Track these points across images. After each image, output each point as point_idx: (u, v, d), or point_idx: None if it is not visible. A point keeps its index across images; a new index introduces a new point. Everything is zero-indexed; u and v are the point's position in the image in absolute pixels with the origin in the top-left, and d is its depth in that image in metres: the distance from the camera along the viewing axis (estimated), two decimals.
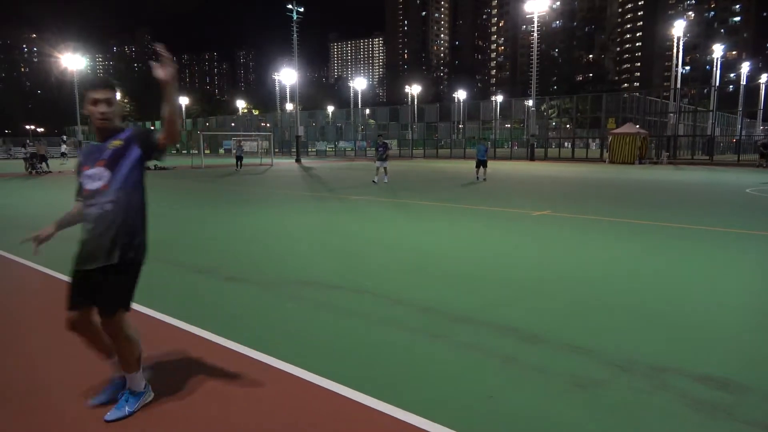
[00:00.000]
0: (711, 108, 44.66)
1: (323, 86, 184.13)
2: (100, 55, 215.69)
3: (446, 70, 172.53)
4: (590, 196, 14.55)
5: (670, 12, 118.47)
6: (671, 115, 40.91)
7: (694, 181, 20.14)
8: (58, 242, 7.96)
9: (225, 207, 12.14)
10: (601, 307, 4.67)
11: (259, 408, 2.92)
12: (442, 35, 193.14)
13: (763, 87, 56.52)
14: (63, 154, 43.11)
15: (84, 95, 2.72)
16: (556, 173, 24.82)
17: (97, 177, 2.74)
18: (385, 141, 19.23)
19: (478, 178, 19.35)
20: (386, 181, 18.29)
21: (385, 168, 18.22)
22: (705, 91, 74.44)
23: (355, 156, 54.83)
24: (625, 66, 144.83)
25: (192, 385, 3.20)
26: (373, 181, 18.22)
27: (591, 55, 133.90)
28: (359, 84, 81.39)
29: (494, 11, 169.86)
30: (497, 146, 48.94)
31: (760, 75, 71.08)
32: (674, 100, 42.58)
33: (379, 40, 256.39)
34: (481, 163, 19.16)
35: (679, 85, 47.56)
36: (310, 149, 59.41)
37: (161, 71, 2.64)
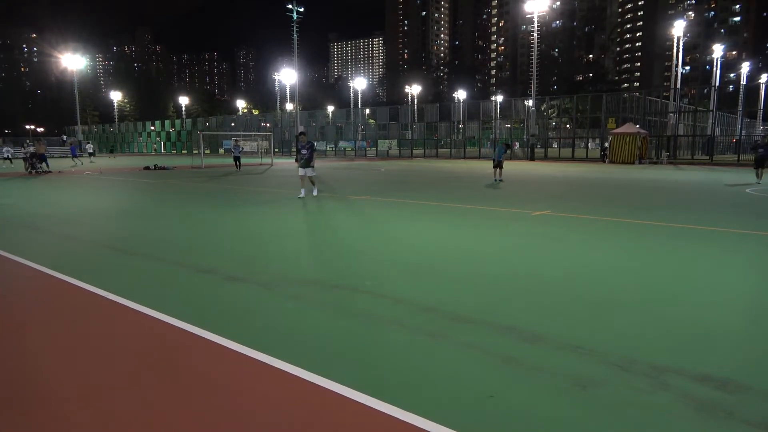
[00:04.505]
0: (711, 108, 44.65)
1: (323, 86, 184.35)
2: (100, 55, 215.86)
3: (446, 70, 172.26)
4: (590, 196, 14.54)
5: (670, 12, 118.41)
6: (671, 115, 40.90)
7: (694, 181, 20.14)
8: (58, 242, 7.95)
9: (225, 207, 12.14)
10: (601, 307, 4.67)
11: (258, 408, 2.92)
12: (442, 35, 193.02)
13: (763, 87, 56.49)
14: (90, 154, 44.56)
15: None
16: (556, 173, 24.82)
17: None
18: (311, 141, 14.25)
19: (495, 180, 18.83)
20: (315, 194, 13.63)
21: (311, 178, 13.46)
22: (705, 91, 74.52)
23: (355, 156, 54.85)
24: (625, 66, 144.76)
25: (192, 384, 3.20)
26: (300, 197, 13.24)
27: (591, 55, 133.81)
28: (359, 84, 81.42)
29: (494, 11, 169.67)
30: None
31: (760, 75, 71.19)
32: (674, 100, 42.57)
33: (379, 40, 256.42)
34: (498, 164, 18.86)
35: (679, 85, 47.58)
36: None
37: None
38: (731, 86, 79.53)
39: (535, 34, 41.57)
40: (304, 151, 13.23)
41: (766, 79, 62.98)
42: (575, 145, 43.87)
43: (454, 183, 19.03)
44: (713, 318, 4.41)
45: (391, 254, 6.95)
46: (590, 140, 49.33)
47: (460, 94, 79.88)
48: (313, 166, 13.44)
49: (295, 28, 40.06)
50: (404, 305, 4.68)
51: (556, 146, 51.70)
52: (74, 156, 34.44)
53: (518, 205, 12.20)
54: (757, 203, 12.87)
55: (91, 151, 45.67)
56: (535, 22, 41.01)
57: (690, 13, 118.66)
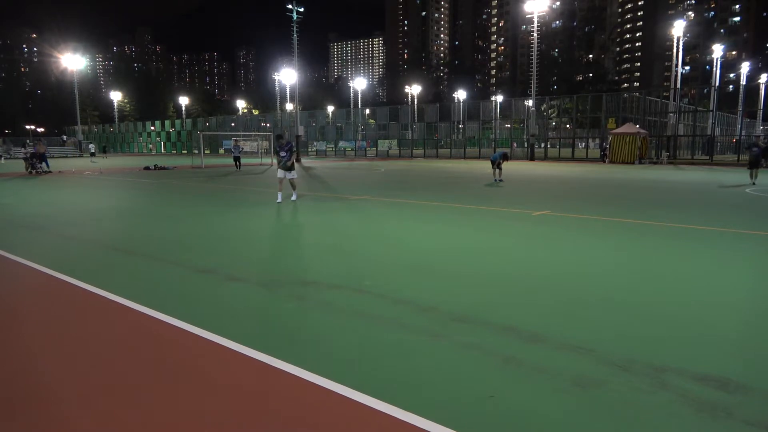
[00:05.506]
0: (711, 108, 44.66)
1: (323, 86, 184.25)
2: (100, 55, 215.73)
3: (446, 70, 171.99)
4: (590, 196, 14.54)
5: (670, 12, 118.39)
6: (671, 115, 40.89)
7: (694, 181, 20.14)
8: (58, 242, 7.95)
9: (225, 207, 12.14)
10: (601, 307, 4.67)
11: (258, 408, 2.92)
12: (442, 35, 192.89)
13: (763, 87, 56.51)
14: (92, 154, 45.28)
15: None
16: (556, 173, 24.82)
17: None
18: (291, 141, 13.73)
19: (495, 180, 18.97)
20: (294, 198, 12.98)
21: (291, 180, 12.83)
22: (705, 91, 74.59)
23: (355, 156, 54.85)
24: (625, 66, 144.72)
25: (192, 384, 3.20)
26: (277, 202, 12.62)
27: (591, 55, 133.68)
28: (359, 84, 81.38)
29: (494, 11, 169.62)
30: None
31: (760, 75, 71.13)
32: (674, 100, 42.56)
33: (379, 40, 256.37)
34: (494, 164, 19.00)
35: (679, 85, 47.56)
36: (310, 149, 59.46)
37: None
38: (731, 86, 79.61)
39: (535, 34, 41.55)
40: (282, 153, 12.69)
41: (766, 79, 62.95)
42: (575, 145, 43.87)
43: (454, 183, 19.03)
44: (713, 318, 4.41)
45: (391, 254, 6.95)
46: (590, 140, 49.34)
47: (460, 94, 79.81)
48: (292, 169, 12.77)
49: (295, 28, 40.03)
50: (404, 305, 4.68)
51: (551, 146, 51.66)
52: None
53: (518, 205, 12.20)
54: (756, 203, 12.86)
55: (93, 151, 46.42)
56: (535, 22, 41.00)
57: (690, 13, 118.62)
